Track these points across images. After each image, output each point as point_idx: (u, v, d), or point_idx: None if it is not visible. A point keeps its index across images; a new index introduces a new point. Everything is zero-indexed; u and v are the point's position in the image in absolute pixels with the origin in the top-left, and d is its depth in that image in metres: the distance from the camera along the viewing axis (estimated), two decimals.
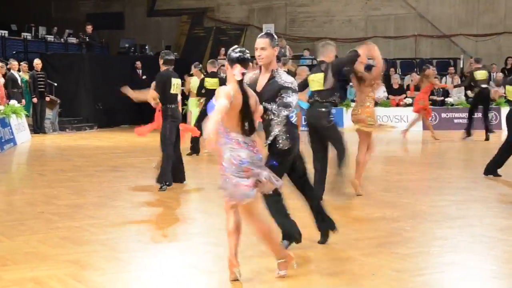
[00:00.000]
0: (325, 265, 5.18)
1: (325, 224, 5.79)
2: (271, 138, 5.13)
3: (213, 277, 4.95)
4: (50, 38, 21.79)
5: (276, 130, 5.10)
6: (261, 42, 5.14)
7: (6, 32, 20.54)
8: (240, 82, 4.59)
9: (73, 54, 21.25)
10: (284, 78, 5.11)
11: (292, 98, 5.05)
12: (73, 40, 22.05)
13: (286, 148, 5.20)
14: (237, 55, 4.62)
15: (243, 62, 4.61)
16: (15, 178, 11.06)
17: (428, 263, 5.35)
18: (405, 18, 22.91)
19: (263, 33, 5.27)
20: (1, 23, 22.15)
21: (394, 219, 6.98)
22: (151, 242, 6.03)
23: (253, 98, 4.71)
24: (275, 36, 5.22)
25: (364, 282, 4.77)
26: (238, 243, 4.77)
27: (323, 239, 5.82)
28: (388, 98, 19.03)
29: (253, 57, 5.16)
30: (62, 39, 22.10)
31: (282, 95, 5.04)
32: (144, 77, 19.36)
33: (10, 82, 16.17)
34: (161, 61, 8.80)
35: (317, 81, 7.48)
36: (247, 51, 4.70)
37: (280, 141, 5.17)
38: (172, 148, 8.72)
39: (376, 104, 18.56)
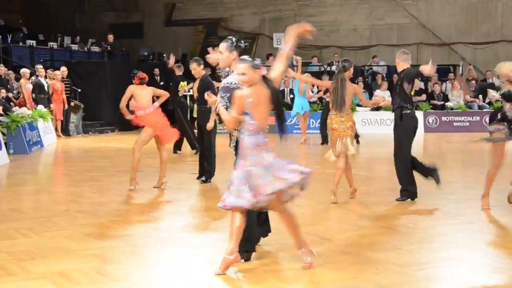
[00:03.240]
0: (331, 260, 5.17)
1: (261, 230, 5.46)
2: (233, 141, 5.04)
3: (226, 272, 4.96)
4: (75, 47, 21.91)
5: (235, 132, 4.99)
6: (220, 46, 5.14)
7: (34, 41, 20.67)
8: None
9: (96, 62, 21.34)
10: (228, 78, 5.08)
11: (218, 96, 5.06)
12: (96, 48, 22.16)
13: None
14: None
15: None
16: (42, 178, 11.12)
17: (430, 258, 5.32)
18: (408, 27, 22.83)
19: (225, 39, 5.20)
20: (29, 33, 22.30)
21: (397, 217, 6.96)
22: (168, 238, 6.03)
23: None
24: (233, 41, 5.12)
25: (369, 276, 4.76)
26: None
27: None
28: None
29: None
30: (85, 48, 22.21)
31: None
32: (161, 83, 19.41)
33: (37, 88, 16.26)
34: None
35: None
36: None
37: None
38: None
39: (380, 108, 18.61)
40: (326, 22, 23.65)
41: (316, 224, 6.59)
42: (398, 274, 4.79)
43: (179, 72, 13.16)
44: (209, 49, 5.62)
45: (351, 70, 7.71)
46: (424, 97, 19.07)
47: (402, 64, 7.78)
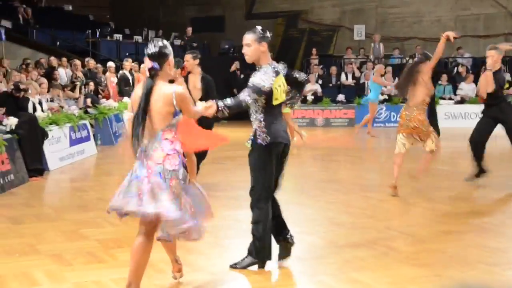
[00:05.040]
0: (414, 256, 5.06)
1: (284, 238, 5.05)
2: (251, 135, 4.73)
3: (306, 264, 4.96)
4: None
5: (255, 125, 4.70)
6: (245, 38, 4.69)
7: (121, 35, 21.33)
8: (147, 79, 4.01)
9: (178, 55, 21.72)
10: (254, 76, 4.63)
11: (243, 95, 4.54)
12: (178, 42, 22.61)
13: (264, 143, 4.66)
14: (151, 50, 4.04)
15: (152, 56, 4.02)
16: (127, 169, 11.43)
17: None
18: (495, 17, 21.93)
19: (252, 29, 4.72)
20: (116, 28, 23.04)
21: (483, 214, 6.73)
22: (248, 230, 6.08)
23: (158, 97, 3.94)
24: (261, 31, 4.67)
25: (454, 274, 4.62)
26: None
27: (285, 254, 5.00)
28: (476, 95, 18.34)
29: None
30: (168, 41, 22.68)
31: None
32: (242, 76, 19.56)
33: (123, 80, 16.76)
34: None
35: None
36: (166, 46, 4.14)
37: (258, 136, 4.68)
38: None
39: (464, 101, 18.02)
40: (409, 13, 23.09)
41: (397, 218, 6.48)
42: (486, 273, 4.63)
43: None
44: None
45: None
46: None
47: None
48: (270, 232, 4.86)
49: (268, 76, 4.62)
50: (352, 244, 5.42)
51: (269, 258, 4.85)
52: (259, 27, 4.74)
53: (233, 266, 4.84)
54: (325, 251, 5.26)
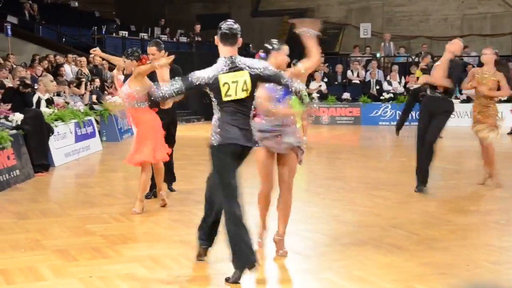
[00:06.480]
0: (419, 254, 5.06)
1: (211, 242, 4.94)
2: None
3: (310, 261, 4.96)
4: (164, 37, 22.43)
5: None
6: None
7: (126, 32, 21.35)
8: None
9: (184, 52, 21.76)
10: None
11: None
12: (184, 39, 22.63)
13: (213, 144, 4.39)
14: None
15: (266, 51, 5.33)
16: (132, 166, 11.47)
17: None
18: (502, 16, 21.87)
19: None
20: (122, 24, 23.06)
21: (489, 213, 6.71)
22: (253, 227, 6.08)
23: None
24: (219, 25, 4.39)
25: (459, 272, 4.62)
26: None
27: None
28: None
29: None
30: (174, 39, 22.72)
31: None
32: None
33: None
34: None
35: None
36: None
37: (211, 134, 4.42)
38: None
39: (471, 100, 17.93)
40: (415, 11, 23.06)
41: (402, 217, 6.47)
42: (491, 271, 4.63)
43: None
44: None
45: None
46: None
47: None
48: (241, 233, 4.45)
49: (210, 70, 4.34)
50: (357, 242, 5.42)
51: (251, 261, 4.32)
52: (227, 21, 4.48)
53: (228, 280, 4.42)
54: (330, 249, 5.26)
